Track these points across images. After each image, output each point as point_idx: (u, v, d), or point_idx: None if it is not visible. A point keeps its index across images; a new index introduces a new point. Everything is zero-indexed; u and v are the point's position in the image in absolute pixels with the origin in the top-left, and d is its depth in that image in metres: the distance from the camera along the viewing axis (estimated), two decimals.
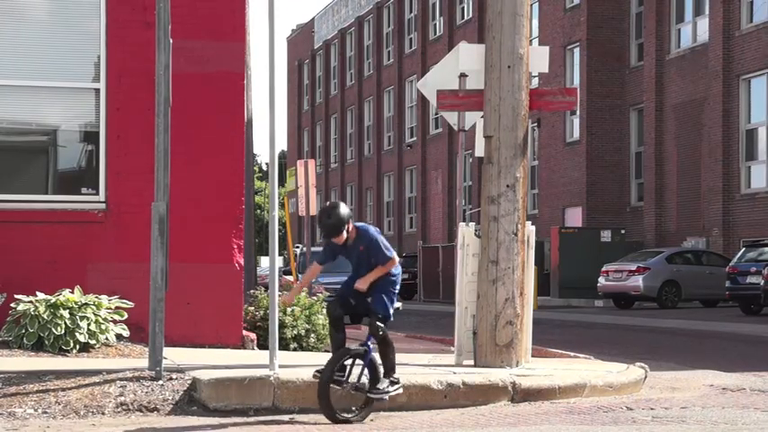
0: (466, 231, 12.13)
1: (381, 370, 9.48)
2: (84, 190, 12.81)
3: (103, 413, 9.24)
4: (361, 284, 9.48)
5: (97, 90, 12.78)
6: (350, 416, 9.36)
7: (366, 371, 9.45)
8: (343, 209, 9.43)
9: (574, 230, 43.23)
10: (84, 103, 12.86)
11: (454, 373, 10.61)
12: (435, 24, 60.17)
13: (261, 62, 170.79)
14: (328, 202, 9.72)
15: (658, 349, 19.54)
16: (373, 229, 9.64)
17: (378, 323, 9.39)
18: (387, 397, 9.51)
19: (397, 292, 9.69)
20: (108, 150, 12.68)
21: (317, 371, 9.33)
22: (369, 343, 9.46)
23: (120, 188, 12.63)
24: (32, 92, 12.85)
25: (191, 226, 12.55)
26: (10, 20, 12.72)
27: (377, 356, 9.54)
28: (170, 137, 10.26)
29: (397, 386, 9.59)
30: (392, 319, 9.57)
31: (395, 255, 9.60)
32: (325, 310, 11.14)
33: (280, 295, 10.79)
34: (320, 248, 10.73)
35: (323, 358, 12.44)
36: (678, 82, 41.36)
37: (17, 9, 12.77)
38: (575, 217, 46.34)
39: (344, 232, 9.42)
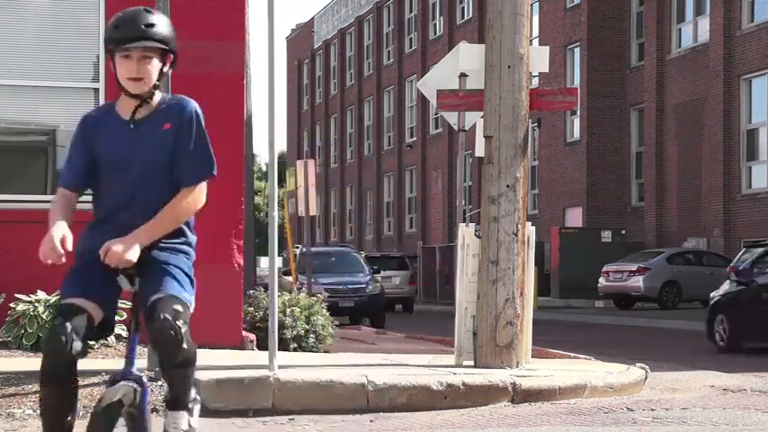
0: (466, 232, 12.10)
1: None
2: None
3: None
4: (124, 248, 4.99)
5: (96, 90, 12.75)
6: None
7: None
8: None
9: (574, 231, 43.21)
10: (84, 102, 12.83)
11: (454, 373, 10.58)
12: (435, 24, 60.14)
13: (261, 62, 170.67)
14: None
15: (659, 350, 19.53)
16: (195, 104, 5.33)
17: (168, 315, 4.91)
18: None
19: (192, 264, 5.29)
20: None
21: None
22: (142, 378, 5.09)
23: None
24: (31, 91, 12.82)
25: None
26: (9, 19, 12.70)
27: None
28: None
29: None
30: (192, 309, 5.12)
31: (215, 169, 5.28)
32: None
33: (279, 296, 10.76)
34: (320, 249, 10.63)
35: (323, 358, 12.46)
36: (679, 82, 41.33)
37: (16, 8, 12.74)
38: (575, 217, 46.31)
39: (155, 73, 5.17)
